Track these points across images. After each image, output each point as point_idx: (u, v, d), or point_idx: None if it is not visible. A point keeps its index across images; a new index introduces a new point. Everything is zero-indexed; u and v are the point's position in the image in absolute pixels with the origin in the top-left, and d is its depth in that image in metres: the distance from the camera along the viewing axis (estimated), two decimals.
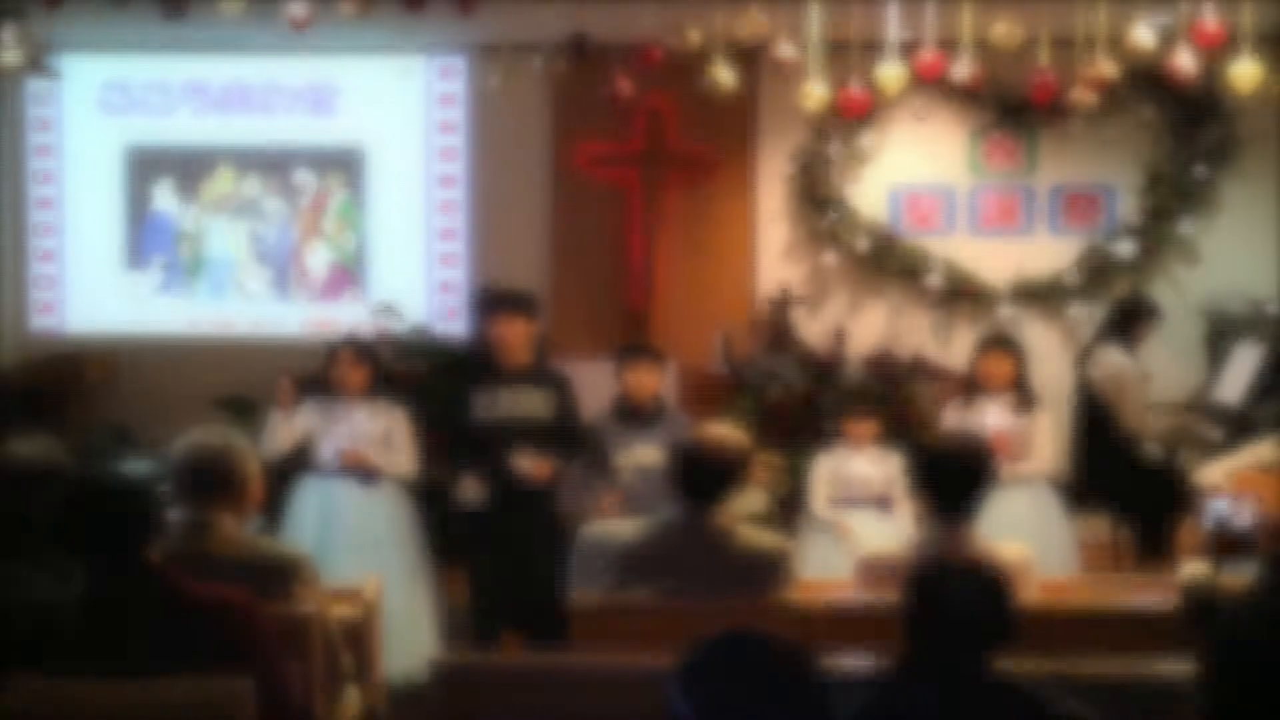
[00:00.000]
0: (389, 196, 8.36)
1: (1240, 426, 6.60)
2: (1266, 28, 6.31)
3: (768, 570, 3.83)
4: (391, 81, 8.30)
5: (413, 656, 5.46)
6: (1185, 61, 5.41)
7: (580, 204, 8.17)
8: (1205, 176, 7.82)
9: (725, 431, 3.96)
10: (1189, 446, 7.06)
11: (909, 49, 6.00)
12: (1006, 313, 7.92)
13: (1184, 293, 7.95)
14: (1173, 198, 7.84)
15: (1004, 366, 5.78)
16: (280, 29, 5.28)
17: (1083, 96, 5.65)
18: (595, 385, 6.11)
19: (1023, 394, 5.79)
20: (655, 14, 5.50)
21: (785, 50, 5.57)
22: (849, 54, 5.81)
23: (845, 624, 3.75)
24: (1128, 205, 7.96)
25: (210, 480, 3.61)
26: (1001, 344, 5.90)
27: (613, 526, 4.03)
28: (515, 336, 5.57)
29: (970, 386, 5.87)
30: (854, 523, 5.51)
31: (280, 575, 3.61)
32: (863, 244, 7.93)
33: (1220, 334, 7.61)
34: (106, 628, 3.09)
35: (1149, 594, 4.17)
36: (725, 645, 2.12)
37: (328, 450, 5.54)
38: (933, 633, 2.74)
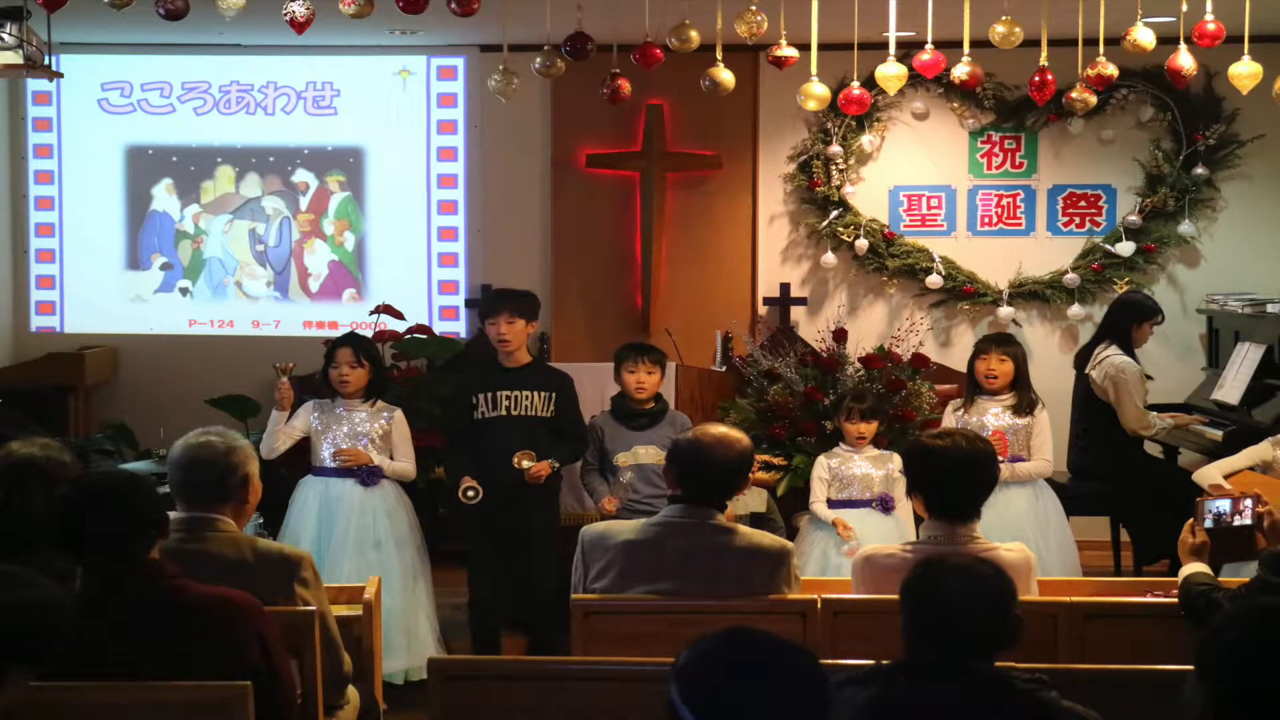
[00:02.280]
0: (388, 196, 8.38)
1: (1240, 426, 6.60)
2: (1266, 28, 6.32)
3: (768, 570, 3.83)
4: (391, 81, 8.31)
5: (413, 656, 5.47)
6: (1187, 61, 5.39)
7: (580, 204, 8.18)
8: (1205, 176, 7.83)
9: (725, 431, 3.96)
10: (1189, 446, 7.08)
11: (909, 49, 6.00)
12: (1006, 313, 7.93)
13: (1184, 293, 7.96)
14: (1173, 198, 7.85)
15: (1004, 366, 5.78)
16: (280, 29, 5.27)
17: (1083, 96, 5.64)
18: (595, 385, 6.12)
19: (1022, 394, 5.79)
20: (655, 14, 5.49)
21: (785, 50, 5.56)
22: (849, 54, 5.81)
23: (845, 624, 3.75)
24: (1128, 205, 7.97)
25: (210, 480, 3.60)
26: (1001, 344, 5.89)
27: (613, 526, 4.01)
28: (515, 336, 5.56)
29: (970, 386, 5.86)
30: (854, 522, 5.50)
31: (280, 575, 3.60)
32: (863, 244, 7.94)
33: (1220, 334, 7.62)
34: (106, 628, 3.09)
35: (1149, 594, 4.17)
36: (725, 644, 2.11)
37: (327, 450, 5.53)
38: (934, 632, 2.74)
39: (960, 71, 5.51)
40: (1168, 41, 5.60)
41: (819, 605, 3.76)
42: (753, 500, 5.88)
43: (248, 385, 7.63)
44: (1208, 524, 4.10)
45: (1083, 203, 8.03)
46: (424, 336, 7.63)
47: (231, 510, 3.64)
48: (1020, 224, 8.06)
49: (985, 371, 5.80)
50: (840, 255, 8.04)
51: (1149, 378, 6.71)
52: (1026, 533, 5.47)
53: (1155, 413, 6.67)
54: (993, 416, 5.76)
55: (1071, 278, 7.90)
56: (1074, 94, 5.65)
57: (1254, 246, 7.91)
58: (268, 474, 3.97)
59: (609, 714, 3.26)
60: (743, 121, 8.09)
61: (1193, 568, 3.89)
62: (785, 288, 8.09)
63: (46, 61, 5.89)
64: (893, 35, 5.45)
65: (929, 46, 5.48)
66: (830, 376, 6.37)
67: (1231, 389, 6.99)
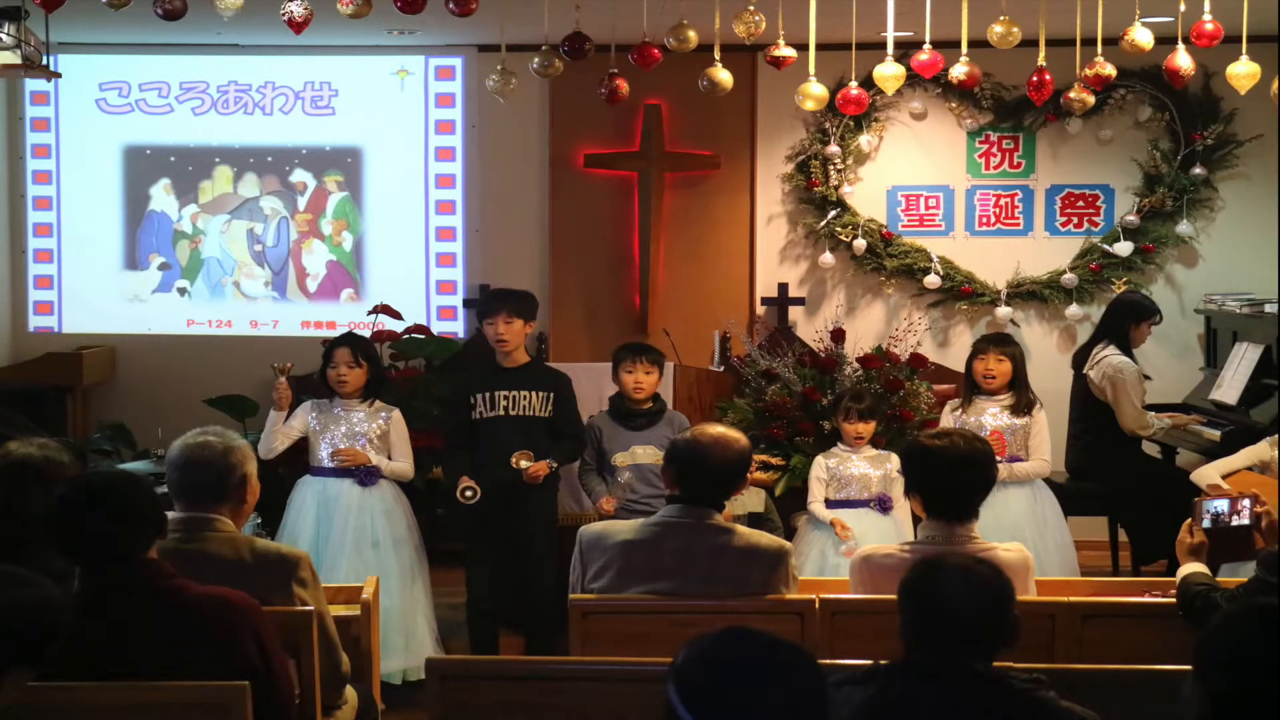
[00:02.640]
0: (387, 196, 8.37)
1: (1238, 426, 6.60)
2: (1264, 27, 6.32)
3: (766, 570, 3.83)
4: (389, 81, 8.31)
5: (411, 656, 5.47)
6: (1185, 61, 5.39)
7: (579, 204, 8.18)
8: (1203, 176, 7.83)
9: (723, 431, 3.96)
10: (1187, 446, 7.08)
11: (907, 49, 6.00)
12: (1004, 313, 7.93)
13: (1182, 293, 7.96)
14: (1171, 198, 7.85)
15: (1002, 366, 5.78)
16: (278, 29, 5.27)
17: (1081, 96, 5.64)
18: (593, 385, 6.12)
19: (1020, 394, 5.79)
20: (653, 14, 5.49)
21: (783, 50, 5.56)
22: (847, 54, 5.81)
23: (843, 624, 3.75)
24: (1126, 205, 7.97)
25: (208, 480, 3.60)
26: (999, 344, 5.89)
27: (611, 526, 4.01)
28: (514, 336, 5.56)
29: (968, 386, 5.86)
30: (852, 522, 5.50)
31: (279, 575, 3.60)
32: (861, 244, 7.94)
33: (1218, 334, 7.62)
34: (105, 628, 3.09)
35: (1147, 594, 4.17)
36: (724, 644, 2.12)
37: (325, 450, 5.53)
38: (932, 632, 2.74)
39: (958, 71, 5.51)
40: (1166, 41, 5.60)
41: (817, 605, 3.76)
42: (751, 500, 5.87)
43: (246, 385, 7.63)
44: (1206, 524, 4.10)
45: (1081, 203, 8.03)
46: (422, 336, 7.62)
47: (229, 510, 3.64)
48: (1018, 224, 8.06)
49: (983, 371, 5.80)
50: (838, 255, 8.04)
51: (1147, 378, 6.71)
52: (1024, 533, 5.47)
53: (1153, 413, 6.67)
54: (991, 416, 5.76)
55: (1069, 278, 7.90)
56: (1072, 94, 5.65)
57: (1252, 246, 7.90)
58: (266, 474, 3.97)
59: (608, 714, 3.26)
60: (741, 121, 8.09)
61: (1191, 568, 3.89)
62: (783, 288, 8.09)
63: (44, 61, 5.89)
64: (891, 35, 5.45)
65: (927, 46, 5.48)
66: (828, 376, 6.36)
67: (1229, 389, 6.99)
